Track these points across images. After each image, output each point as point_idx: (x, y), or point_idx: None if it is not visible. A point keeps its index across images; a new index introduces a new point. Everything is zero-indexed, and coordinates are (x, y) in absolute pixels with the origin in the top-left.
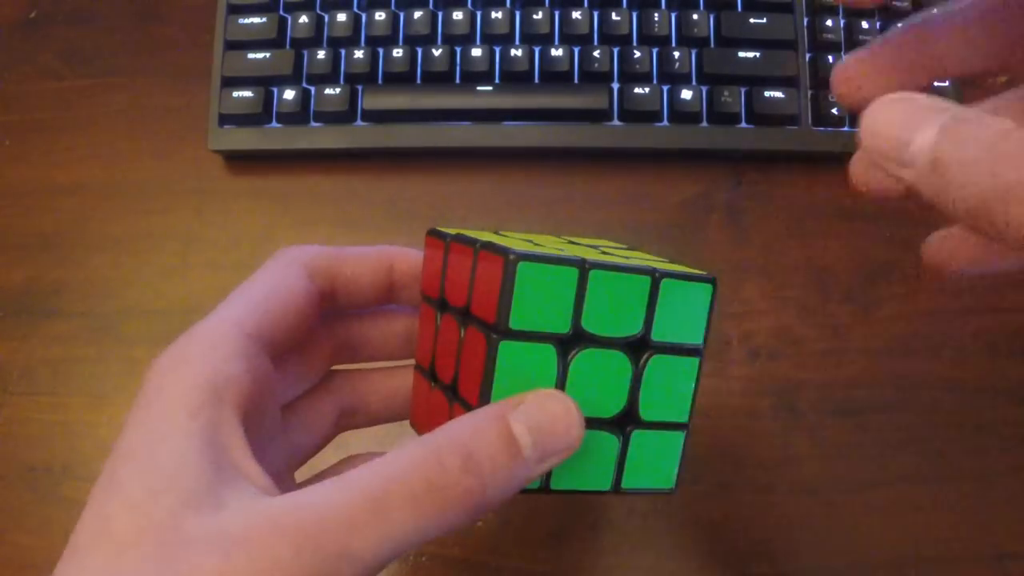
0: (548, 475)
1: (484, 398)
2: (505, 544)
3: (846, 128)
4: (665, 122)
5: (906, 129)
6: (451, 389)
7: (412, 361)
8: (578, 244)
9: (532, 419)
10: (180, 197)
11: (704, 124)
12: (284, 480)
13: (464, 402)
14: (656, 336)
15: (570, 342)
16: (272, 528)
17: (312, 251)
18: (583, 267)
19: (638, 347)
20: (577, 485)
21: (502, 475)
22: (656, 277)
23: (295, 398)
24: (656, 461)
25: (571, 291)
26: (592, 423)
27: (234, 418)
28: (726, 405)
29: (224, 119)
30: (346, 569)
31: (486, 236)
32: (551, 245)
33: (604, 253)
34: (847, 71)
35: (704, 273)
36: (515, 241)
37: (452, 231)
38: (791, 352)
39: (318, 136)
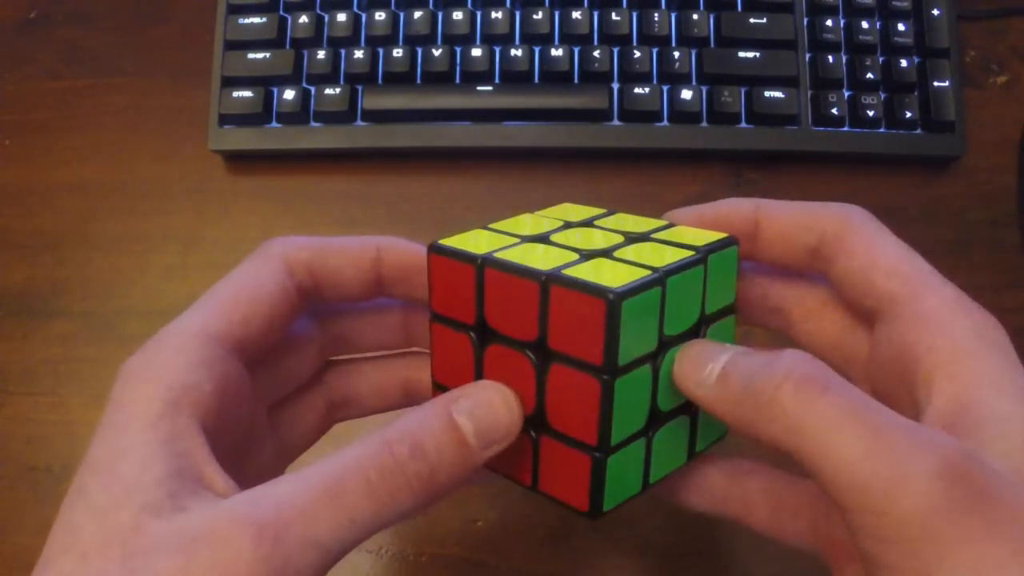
0: (647, 474)
1: (605, 439)
2: (505, 544)
3: (846, 128)
4: (665, 122)
5: (704, 359)
6: (532, 422)
7: (404, 349)
8: (571, 223)
9: (473, 410)
10: (180, 197)
11: (704, 124)
12: (265, 474)
13: (565, 437)
14: (708, 310)
15: (657, 354)
16: (230, 523)
17: (294, 243)
18: (663, 280)
19: (698, 327)
20: (665, 471)
21: (448, 461)
22: (706, 260)
23: (284, 395)
24: (709, 418)
25: (657, 308)
26: (673, 412)
27: (194, 428)
28: None
29: (224, 119)
30: (308, 555)
31: (493, 246)
32: (581, 239)
33: (599, 228)
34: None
35: (725, 236)
36: (547, 252)
37: (461, 246)
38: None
39: (318, 136)
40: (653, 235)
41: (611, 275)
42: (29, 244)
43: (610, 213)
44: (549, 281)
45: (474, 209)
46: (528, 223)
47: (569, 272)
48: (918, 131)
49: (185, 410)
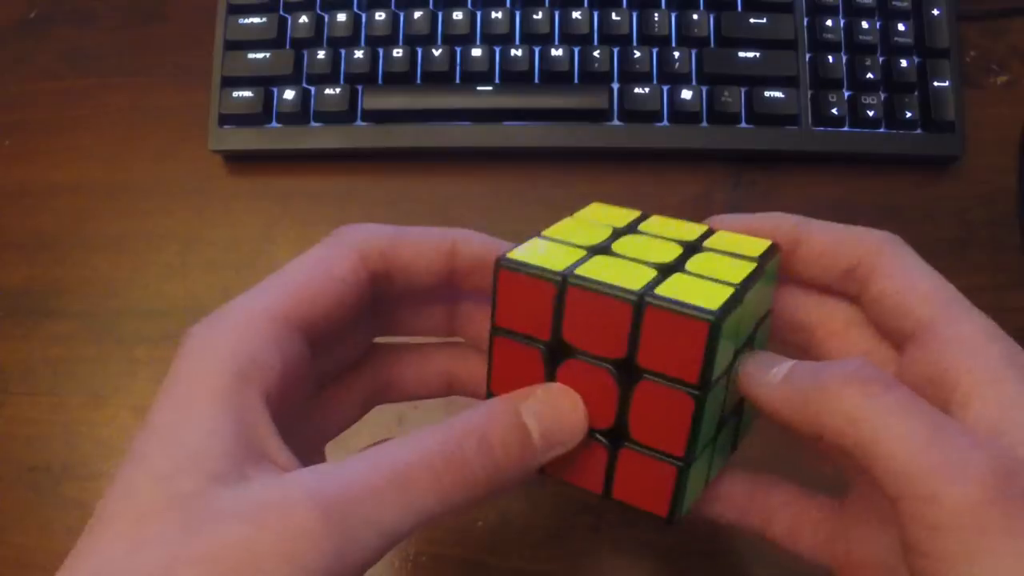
0: (708, 474)
1: (691, 450)
2: (505, 544)
3: (846, 128)
4: (665, 122)
5: (770, 363)
6: (609, 433)
7: (448, 339)
8: (619, 230)
9: (541, 411)
10: (180, 197)
11: (704, 124)
12: (314, 456)
13: (649, 449)
14: (757, 314)
15: (732, 364)
16: (300, 497)
17: (369, 231)
18: (743, 297)
19: (754, 334)
20: (717, 470)
21: (512, 458)
22: (763, 268)
23: (336, 376)
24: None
25: (739, 323)
26: (730, 416)
27: (260, 402)
28: None
29: (224, 119)
30: (372, 537)
31: (565, 262)
32: (649, 252)
33: (648, 235)
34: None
35: (770, 244)
36: (624, 267)
37: (529, 259)
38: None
39: (318, 136)
40: (704, 244)
41: (699, 294)
42: (29, 244)
43: (645, 216)
44: (643, 302)
45: (474, 209)
46: (578, 230)
47: (660, 291)
48: (918, 131)
49: (254, 384)
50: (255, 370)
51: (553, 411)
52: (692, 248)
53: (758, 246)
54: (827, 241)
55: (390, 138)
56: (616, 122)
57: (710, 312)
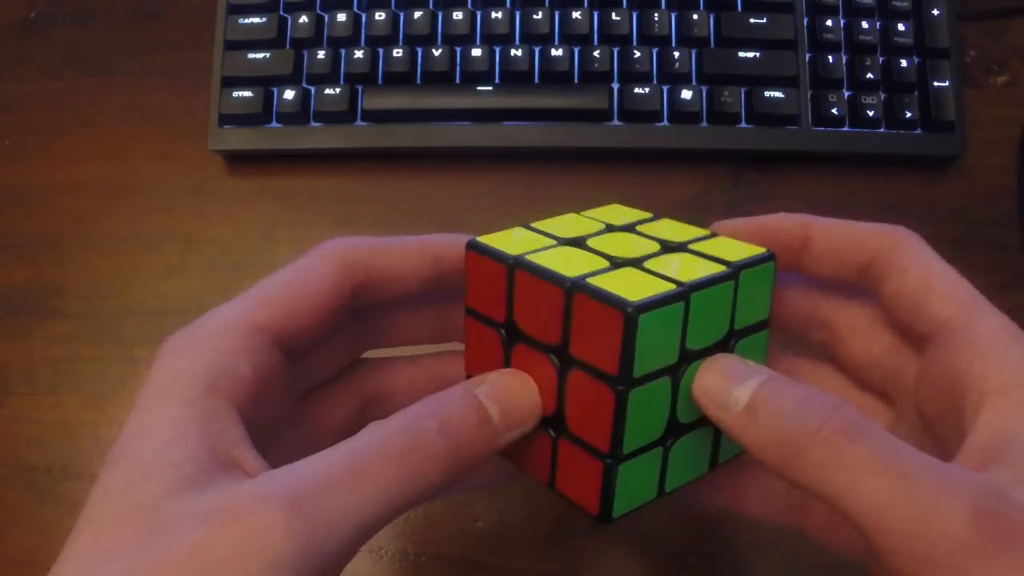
0: (662, 482)
1: (617, 446)
2: (505, 544)
3: (846, 128)
4: (665, 122)
5: (731, 380)
6: (552, 422)
7: (439, 347)
8: (612, 227)
9: (496, 392)
10: (180, 197)
11: (704, 124)
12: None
13: (580, 441)
14: (738, 325)
15: (679, 366)
16: (263, 495)
17: (351, 244)
18: (687, 295)
19: (726, 341)
20: (683, 480)
21: (474, 438)
22: (736, 274)
23: (315, 386)
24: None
25: (679, 322)
26: (694, 424)
27: (230, 410)
28: None
29: (224, 119)
30: (340, 529)
31: (526, 248)
32: (617, 247)
33: (669, 249)
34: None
35: (763, 251)
36: (577, 257)
37: (498, 245)
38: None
39: (318, 136)
40: (690, 245)
41: (634, 286)
42: (29, 244)
43: (656, 218)
44: (573, 288)
45: (474, 209)
46: (570, 224)
47: (594, 281)
48: (918, 131)
49: (223, 393)
50: (225, 379)
51: (508, 392)
52: (671, 248)
53: (746, 252)
54: (835, 238)
55: (390, 138)
56: (616, 122)
57: (629, 303)
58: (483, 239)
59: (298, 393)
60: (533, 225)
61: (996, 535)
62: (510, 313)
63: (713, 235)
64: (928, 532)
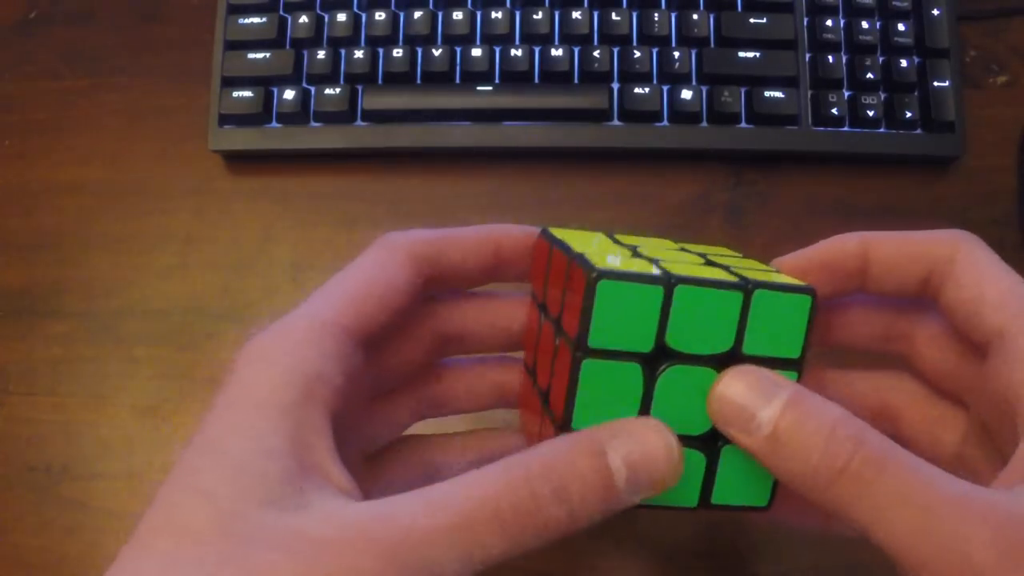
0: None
1: (567, 416)
2: None
3: (846, 128)
4: (665, 122)
5: (752, 400)
6: (544, 396)
7: (501, 354)
8: (689, 252)
9: (630, 453)
10: (180, 197)
11: (704, 124)
12: (354, 468)
13: (552, 414)
14: (748, 350)
15: (655, 360)
16: (357, 537)
17: (414, 236)
18: (668, 284)
19: (728, 362)
20: (663, 501)
21: (591, 505)
22: (748, 290)
23: (391, 389)
24: (749, 477)
25: (655, 309)
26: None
27: (323, 418)
28: None
29: (224, 119)
30: None
31: (587, 243)
32: (657, 254)
33: (709, 264)
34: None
35: (802, 284)
36: (614, 250)
37: (560, 233)
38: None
39: (318, 136)
40: (733, 267)
41: (621, 264)
42: (29, 244)
43: (729, 253)
44: (573, 258)
45: (474, 209)
46: (651, 244)
47: (591, 255)
48: (918, 131)
49: (318, 401)
50: (320, 386)
51: (643, 455)
52: (712, 264)
53: (785, 280)
54: (893, 253)
55: (390, 138)
56: (616, 122)
57: (596, 268)
58: (554, 230)
59: (371, 396)
60: (617, 236)
61: (1015, 558)
62: (545, 292)
63: (770, 269)
64: (951, 561)
